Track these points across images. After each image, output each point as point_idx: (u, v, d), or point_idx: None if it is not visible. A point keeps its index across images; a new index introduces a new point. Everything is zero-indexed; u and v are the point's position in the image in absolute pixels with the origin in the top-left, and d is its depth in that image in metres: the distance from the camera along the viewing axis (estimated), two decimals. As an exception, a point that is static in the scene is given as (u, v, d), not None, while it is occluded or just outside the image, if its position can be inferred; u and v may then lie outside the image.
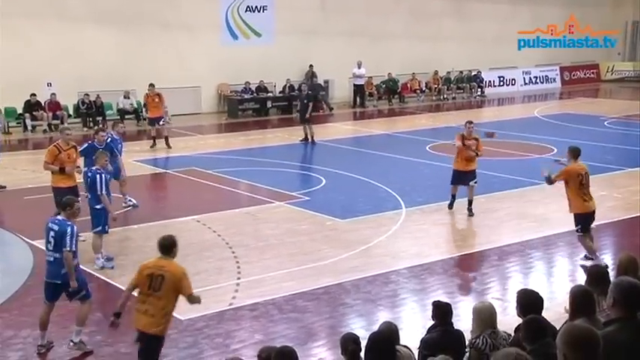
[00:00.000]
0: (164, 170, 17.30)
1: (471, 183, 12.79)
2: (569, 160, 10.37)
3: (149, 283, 6.63)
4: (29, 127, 22.11)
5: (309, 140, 20.43)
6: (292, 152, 19.93)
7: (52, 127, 22.52)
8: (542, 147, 19.26)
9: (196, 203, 13.91)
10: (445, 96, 30.75)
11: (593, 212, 10.34)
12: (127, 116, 23.65)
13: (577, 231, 10.25)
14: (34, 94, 22.07)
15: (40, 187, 14.96)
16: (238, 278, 9.93)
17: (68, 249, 7.57)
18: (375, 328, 6.20)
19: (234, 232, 11.99)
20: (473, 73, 31.58)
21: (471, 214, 12.76)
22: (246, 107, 26.05)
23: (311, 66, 27.57)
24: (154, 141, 19.56)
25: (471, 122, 13.10)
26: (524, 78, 34.11)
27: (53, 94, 22.55)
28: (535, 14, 32.30)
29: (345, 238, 11.72)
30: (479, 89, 31.58)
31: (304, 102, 20.82)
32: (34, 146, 20.62)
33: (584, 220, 10.18)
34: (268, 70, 26.55)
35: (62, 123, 22.50)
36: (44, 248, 8.06)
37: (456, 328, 6.16)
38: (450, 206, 13.01)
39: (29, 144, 21.08)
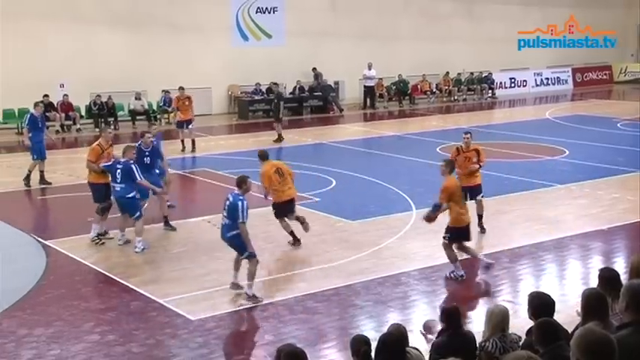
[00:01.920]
0: (176, 171, 17.34)
1: (478, 197, 11.96)
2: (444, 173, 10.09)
3: None
4: (42, 128, 22.23)
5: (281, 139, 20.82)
6: (302, 153, 19.95)
7: (65, 127, 22.68)
8: (554, 149, 19.19)
9: (207, 204, 13.94)
10: (456, 97, 30.67)
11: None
12: (137, 117, 23.78)
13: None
14: (46, 95, 22.19)
15: (52, 187, 15.09)
16: (249, 279, 9.93)
17: (241, 220, 8.96)
18: (386, 329, 6.19)
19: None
20: (484, 75, 31.49)
21: (482, 230, 11.93)
22: (257, 108, 26.09)
23: (314, 69, 27.62)
24: (183, 144, 19.57)
25: (467, 133, 12.30)
26: (535, 79, 33.98)
27: (66, 95, 22.70)
28: (546, 14, 32.14)
29: (355, 239, 11.72)
30: (490, 90, 31.48)
31: (276, 102, 21.17)
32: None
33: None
34: (278, 71, 26.59)
35: (74, 124, 22.75)
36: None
37: (467, 330, 6.15)
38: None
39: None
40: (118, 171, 11.02)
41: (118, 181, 11.06)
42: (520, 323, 6.42)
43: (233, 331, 8.32)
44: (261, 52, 26.70)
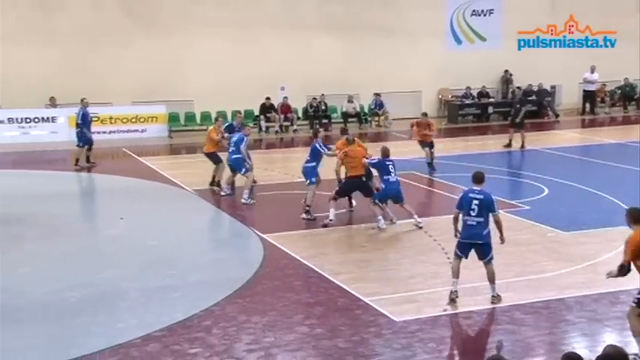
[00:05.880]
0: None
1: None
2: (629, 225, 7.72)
3: None
4: (263, 129, 23.81)
5: (512, 145, 20.16)
6: (513, 159, 19.36)
7: (283, 128, 24.05)
8: None
9: (415, 207, 14.02)
10: (694, 102, 27.83)
11: None
12: (349, 119, 24.55)
13: None
14: (268, 98, 23.75)
15: (271, 184, 16.09)
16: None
17: (497, 212, 9.13)
18: (602, 350, 5.82)
19: (450, 237, 11.81)
20: None
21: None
22: (467, 112, 25.74)
23: (506, 71, 26.63)
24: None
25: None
26: None
27: (285, 97, 24.09)
28: None
29: (568, 251, 11.14)
30: None
31: (517, 106, 20.73)
32: (267, 146, 22.18)
33: None
34: (491, 75, 25.99)
35: (292, 125, 24.03)
36: (468, 215, 9.10)
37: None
38: None
39: (262, 144, 22.65)
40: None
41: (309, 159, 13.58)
42: None
43: (436, 336, 8.29)
44: (475, 56, 26.23)
